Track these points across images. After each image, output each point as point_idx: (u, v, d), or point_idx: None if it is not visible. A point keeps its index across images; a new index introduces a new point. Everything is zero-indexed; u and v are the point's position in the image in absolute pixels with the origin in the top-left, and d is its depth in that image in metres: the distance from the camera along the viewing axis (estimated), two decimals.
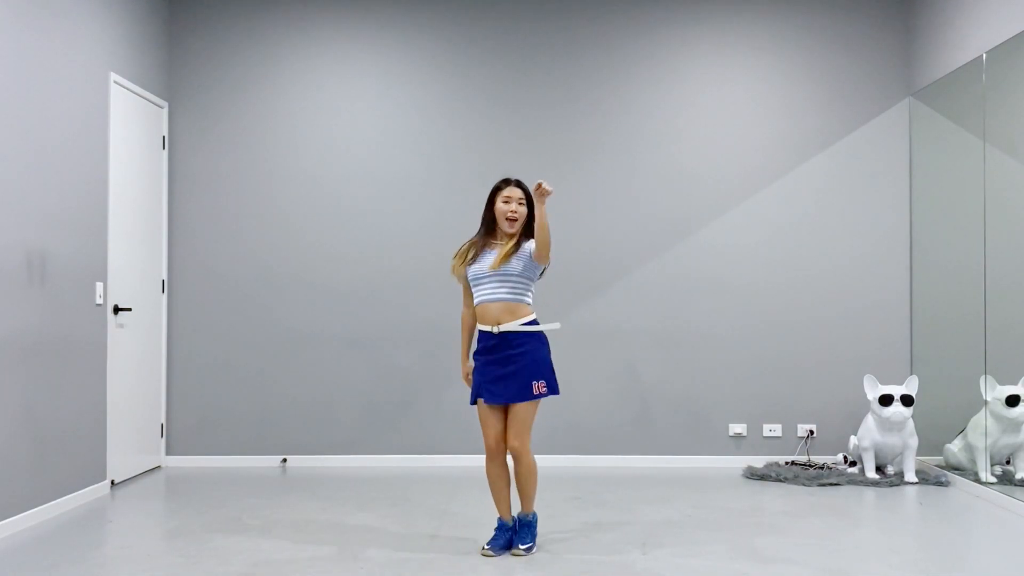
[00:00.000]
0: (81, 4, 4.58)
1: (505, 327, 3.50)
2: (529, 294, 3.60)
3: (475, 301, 3.60)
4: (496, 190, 3.64)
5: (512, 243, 3.57)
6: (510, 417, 3.54)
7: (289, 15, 5.66)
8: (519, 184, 3.63)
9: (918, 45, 5.56)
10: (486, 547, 3.61)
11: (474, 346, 3.67)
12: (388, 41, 5.68)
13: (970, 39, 4.95)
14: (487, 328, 3.53)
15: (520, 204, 3.59)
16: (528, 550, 3.60)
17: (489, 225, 3.65)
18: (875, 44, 5.67)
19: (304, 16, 5.67)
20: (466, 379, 3.72)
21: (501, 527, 3.67)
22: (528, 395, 3.49)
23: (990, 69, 4.74)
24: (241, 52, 5.66)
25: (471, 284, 3.62)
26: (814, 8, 5.68)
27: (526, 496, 3.63)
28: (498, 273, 3.52)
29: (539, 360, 3.53)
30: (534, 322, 3.56)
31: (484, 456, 3.69)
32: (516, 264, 3.53)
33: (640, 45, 5.67)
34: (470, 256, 3.62)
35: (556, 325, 3.73)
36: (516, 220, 3.58)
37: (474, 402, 3.63)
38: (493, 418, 3.57)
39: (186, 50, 5.65)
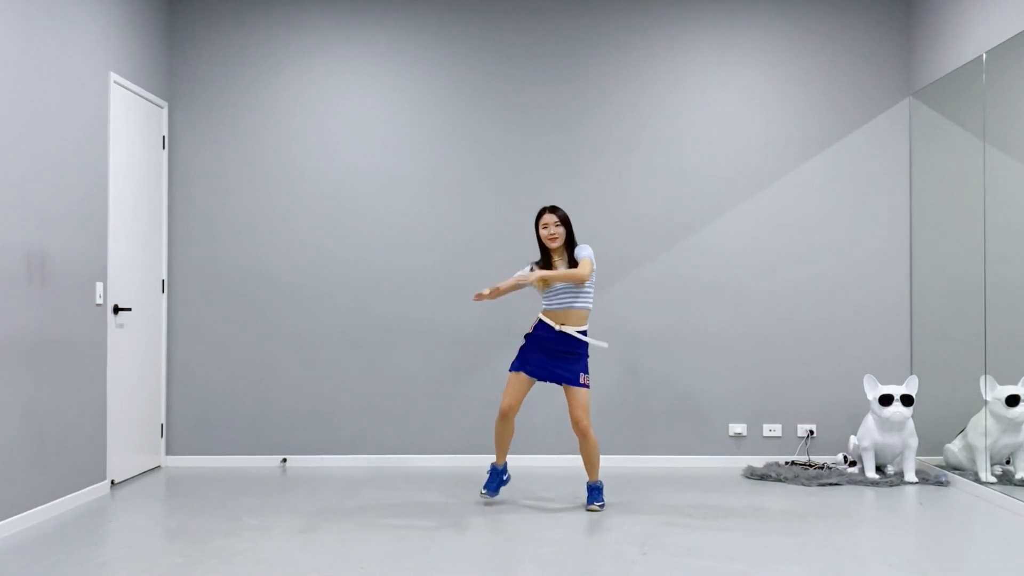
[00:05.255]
0: (81, 4, 4.58)
1: (565, 329, 4.23)
2: (591, 299, 4.32)
3: (547, 303, 4.29)
4: (537, 219, 4.35)
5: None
6: (575, 400, 4.24)
7: (289, 15, 5.66)
8: (553, 210, 4.31)
9: (918, 45, 5.56)
10: (483, 491, 4.38)
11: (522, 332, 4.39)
12: (388, 42, 5.68)
13: (970, 39, 4.95)
14: (549, 323, 4.25)
15: (556, 226, 4.27)
16: (601, 507, 4.30)
17: (543, 247, 4.35)
18: (875, 44, 5.67)
19: (304, 16, 5.67)
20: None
21: (494, 471, 4.41)
22: (578, 382, 4.24)
23: (990, 69, 4.74)
24: (241, 52, 5.66)
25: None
26: (814, 8, 5.67)
27: (594, 468, 4.33)
28: (570, 288, 4.24)
29: (585, 364, 4.32)
30: (585, 332, 4.28)
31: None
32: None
33: (640, 45, 5.67)
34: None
35: (604, 344, 4.41)
36: (555, 240, 4.27)
37: (515, 369, 4.29)
38: (520, 388, 4.29)
39: (186, 50, 5.65)
